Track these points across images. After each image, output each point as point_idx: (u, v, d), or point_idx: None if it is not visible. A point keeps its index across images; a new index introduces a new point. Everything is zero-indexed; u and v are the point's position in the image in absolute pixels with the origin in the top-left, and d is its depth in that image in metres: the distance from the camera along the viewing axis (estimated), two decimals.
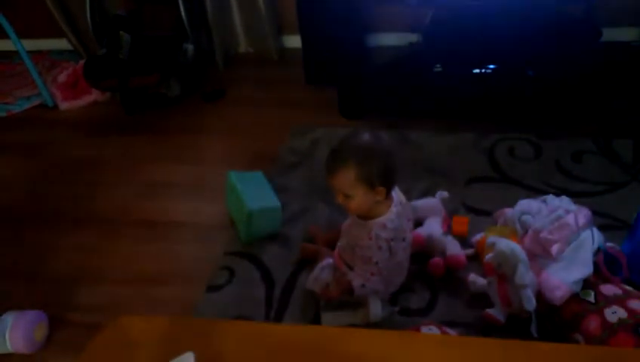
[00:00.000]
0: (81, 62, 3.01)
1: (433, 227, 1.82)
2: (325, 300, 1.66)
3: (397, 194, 1.58)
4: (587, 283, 1.49)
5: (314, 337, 1.07)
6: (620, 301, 1.40)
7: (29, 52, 2.87)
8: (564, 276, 1.49)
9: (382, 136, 1.49)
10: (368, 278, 1.55)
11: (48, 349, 1.73)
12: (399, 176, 1.95)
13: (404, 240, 1.58)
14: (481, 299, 1.61)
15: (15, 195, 2.42)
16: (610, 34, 2.46)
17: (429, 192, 2.01)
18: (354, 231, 1.57)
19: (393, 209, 1.52)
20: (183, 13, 2.82)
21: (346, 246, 1.63)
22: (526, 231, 1.64)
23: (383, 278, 1.58)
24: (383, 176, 1.44)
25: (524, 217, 1.65)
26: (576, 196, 1.83)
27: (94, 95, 2.99)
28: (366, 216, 1.52)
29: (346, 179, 1.42)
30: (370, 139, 1.46)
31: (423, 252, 1.79)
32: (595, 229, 1.60)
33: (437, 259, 1.75)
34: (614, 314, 1.37)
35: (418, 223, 1.86)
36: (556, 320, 1.50)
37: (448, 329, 1.48)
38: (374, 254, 1.51)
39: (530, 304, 1.45)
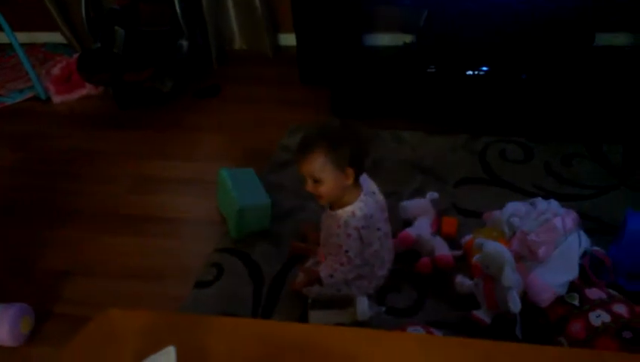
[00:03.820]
0: (75, 55, 3.00)
1: (422, 227, 1.82)
2: (296, 290, 1.68)
3: (368, 184, 1.60)
4: (573, 287, 1.50)
5: (299, 334, 1.07)
6: (604, 305, 1.41)
7: (22, 45, 2.87)
8: (550, 278, 1.50)
9: (352, 123, 1.53)
10: (336, 268, 1.57)
11: (34, 342, 1.72)
12: (391, 175, 1.97)
13: (379, 229, 1.59)
14: (468, 300, 1.62)
15: (4, 188, 2.41)
16: (602, 39, 2.48)
17: (419, 192, 2.02)
18: (327, 222, 1.60)
19: (362, 197, 1.54)
20: (178, 9, 2.82)
21: (324, 239, 1.65)
22: (514, 234, 1.65)
23: (356, 268, 1.59)
24: (351, 159, 1.47)
25: (512, 219, 1.66)
26: (565, 199, 1.84)
27: (87, 89, 2.98)
28: (336, 206, 1.55)
29: (316, 162, 1.46)
30: (339, 125, 1.51)
31: (411, 251, 1.80)
32: (582, 233, 1.61)
33: (425, 259, 1.75)
34: (598, 317, 1.38)
35: (408, 223, 1.88)
36: (541, 322, 1.51)
37: (434, 330, 1.49)
38: (344, 242, 1.53)
39: (516, 305, 1.46)
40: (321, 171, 1.46)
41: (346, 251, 1.54)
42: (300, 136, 2.36)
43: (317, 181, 1.48)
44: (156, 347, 0.95)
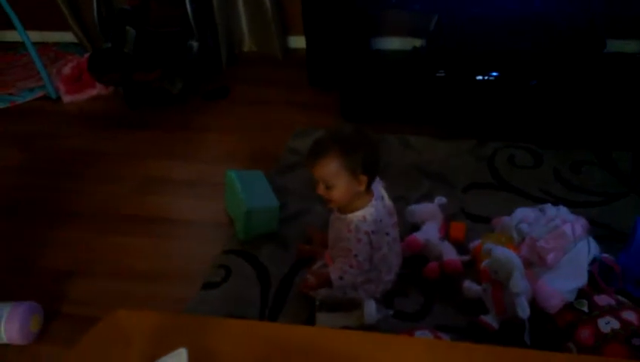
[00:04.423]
0: (86, 55, 3.01)
1: (430, 232, 1.82)
2: (305, 292, 1.68)
3: (378, 189, 1.60)
4: (581, 293, 1.50)
5: (306, 337, 1.07)
6: (613, 312, 1.41)
7: (34, 43, 2.88)
8: (559, 285, 1.50)
9: (364, 129, 1.52)
10: (346, 270, 1.56)
11: (43, 340, 1.73)
12: (398, 179, 1.96)
13: (387, 234, 1.59)
14: (476, 305, 1.62)
15: (11, 187, 2.43)
16: (613, 45, 2.47)
17: (427, 197, 2.02)
18: (336, 225, 1.60)
19: (373, 202, 1.54)
20: (189, 10, 2.83)
21: (333, 241, 1.65)
22: (523, 239, 1.64)
23: (365, 272, 1.59)
24: (366, 165, 1.47)
25: (521, 225, 1.66)
26: (574, 206, 1.84)
27: (98, 89, 2.99)
28: (346, 210, 1.55)
29: (330, 168, 1.45)
30: (353, 130, 1.50)
31: (419, 256, 1.80)
32: (591, 239, 1.61)
33: (433, 264, 1.75)
34: (607, 324, 1.38)
35: (415, 227, 1.88)
36: (550, 328, 1.50)
37: (442, 334, 1.49)
38: (354, 246, 1.53)
39: (524, 312, 1.46)
40: (334, 176, 1.46)
41: (356, 255, 1.53)
42: (307, 138, 2.39)
43: (329, 186, 1.48)
44: (165, 348, 0.95)
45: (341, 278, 1.58)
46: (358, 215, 1.52)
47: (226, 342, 1.03)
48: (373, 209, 1.53)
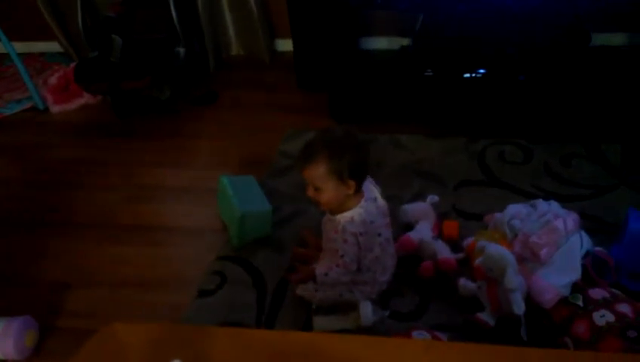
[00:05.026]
0: (72, 64, 2.99)
1: (424, 231, 1.83)
2: (300, 295, 1.69)
3: (370, 190, 1.61)
4: (576, 287, 1.51)
5: (304, 343, 1.08)
6: (608, 305, 1.42)
7: (19, 54, 2.85)
8: (553, 280, 1.50)
9: (354, 132, 1.53)
10: (332, 267, 1.58)
11: (38, 356, 1.71)
12: (390, 179, 1.97)
13: (379, 235, 1.60)
14: (471, 302, 1.62)
15: (4, 199, 2.41)
16: (599, 39, 2.48)
17: (419, 196, 2.02)
18: (327, 226, 1.61)
19: (363, 203, 1.55)
20: (174, 16, 2.82)
21: (325, 243, 1.65)
22: (515, 236, 1.65)
23: (353, 273, 1.60)
24: (353, 170, 1.48)
25: (514, 221, 1.66)
26: (565, 200, 1.85)
27: (85, 98, 2.97)
28: (336, 212, 1.56)
29: (318, 172, 1.47)
30: (342, 134, 1.52)
31: (413, 255, 1.80)
32: (583, 233, 1.61)
33: (427, 263, 1.75)
34: (602, 317, 1.38)
35: (408, 227, 1.88)
36: (545, 323, 1.51)
37: (439, 334, 1.49)
38: (340, 247, 1.54)
39: (519, 308, 1.46)
40: (322, 180, 1.48)
41: (342, 256, 1.55)
42: (298, 141, 2.39)
43: (318, 188, 1.50)
44: (161, 359, 0.95)
45: (326, 275, 1.60)
46: (346, 216, 1.53)
47: (223, 351, 1.03)
48: (362, 210, 1.54)
